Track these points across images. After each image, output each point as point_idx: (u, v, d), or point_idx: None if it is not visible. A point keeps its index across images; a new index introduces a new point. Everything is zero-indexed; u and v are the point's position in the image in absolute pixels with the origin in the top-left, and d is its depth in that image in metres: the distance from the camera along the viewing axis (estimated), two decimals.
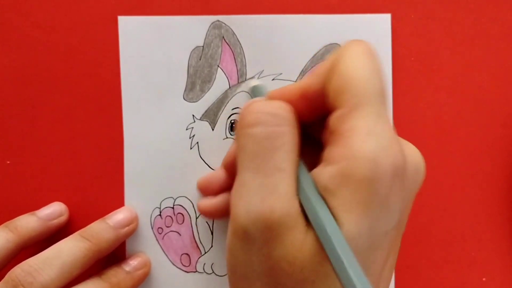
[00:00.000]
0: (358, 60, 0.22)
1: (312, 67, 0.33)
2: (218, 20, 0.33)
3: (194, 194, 0.33)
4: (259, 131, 0.23)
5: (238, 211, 0.23)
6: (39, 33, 0.33)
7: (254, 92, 0.32)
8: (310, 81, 0.24)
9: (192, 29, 0.33)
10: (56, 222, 0.32)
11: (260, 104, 0.24)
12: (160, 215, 0.34)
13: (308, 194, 0.22)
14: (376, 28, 0.33)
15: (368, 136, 0.21)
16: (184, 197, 0.33)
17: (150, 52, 0.33)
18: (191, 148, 0.33)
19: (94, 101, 0.33)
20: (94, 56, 0.33)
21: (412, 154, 0.23)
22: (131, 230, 0.32)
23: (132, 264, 0.32)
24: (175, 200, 0.33)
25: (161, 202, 0.33)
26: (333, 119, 0.22)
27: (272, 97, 0.26)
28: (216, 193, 0.31)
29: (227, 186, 0.30)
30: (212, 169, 0.33)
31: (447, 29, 0.33)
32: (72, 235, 0.30)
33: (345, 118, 0.22)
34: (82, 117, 0.33)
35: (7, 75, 0.33)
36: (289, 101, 0.25)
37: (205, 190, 0.32)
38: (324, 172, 0.22)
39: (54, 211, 0.33)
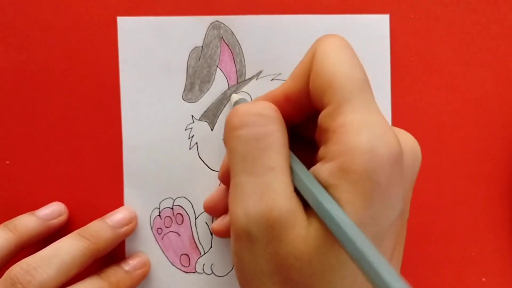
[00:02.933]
0: (332, 55, 0.22)
1: None
2: (217, 21, 0.33)
3: (193, 194, 0.33)
4: (247, 132, 0.23)
5: (237, 214, 0.22)
6: (39, 33, 0.33)
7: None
8: (291, 84, 0.24)
9: (191, 29, 0.33)
10: (55, 221, 0.33)
11: (245, 106, 0.24)
12: (159, 215, 0.34)
13: (309, 185, 0.22)
14: (375, 29, 0.33)
15: (361, 128, 0.21)
16: (183, 198, 0.33)
17: (149, 53, 0.33)
18: (190, 149, 0.33)
19: (94, 101, 0.33)
20: (93, 56, 0.33)
21: (407, 140, 0.23)
22: (130, 230, 0.33)
23: (131, 263, 0.32)
24: (174, 200, 0.33)
25: (160, 202, 0.33)
26: (322, 117, 0.22)
27: None
28: (224, 211, 0.31)
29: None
30: (211, 169, 0.33)
31: (446, 29, 0.33)
32: (71, 234, 0.30)
33: (335, 115, 0.21)
34: (82, 117, 0.33)
35: (7, 75, 0.33)
36: (275, 105, 0.25)
37: (213, 211, 0.32)
38: (323, 169, 0.22)
39: (53, 211, 0.33)
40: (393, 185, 0.21)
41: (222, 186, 0.31)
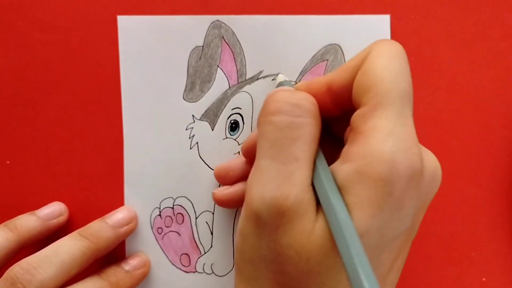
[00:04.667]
0: (385, 60, 0.22)
1: (311, 67, 0.33)
2: (218, 20, 0.33)
3: (193, 194, 0.33)
4: (281, 120, 0.23)
5: (253, 195, 0.23)
6: (39, 33, 0.33)
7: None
8: (337, 75, 0.24)
9: (192, 29, 0.33)
10: (55, 221, 0.33)
11: (285, 94, 0.24)
12: (159, 215, 0.34)
13: (325, 184, 0.22)
14: (376, 29, 0.33)
15: (388, 137, 0.21)
16: (183, 197, 0.33)
17: (150, 52, 0.33)
18: (190, 148, 0.33)
19: (94, 101, 0.33)
20: (94, 56, 0.33)
21: (430, 160, 0.23)
22: (130, 230, 0.33)
23: (131, 263, 0.32)
24: (174, 200, 0.33)
25: (161, 202, 0.33)
26: (356, 116, 0.23)
27: (298, 89, 0.26)
28: (233, 181, 0.31)
29: (246, 174, 0.30)
30: (212, 169, 0.33)
31: (446, 29, 0.33)
32: (71, 234, 0.30)
33: (367, 117, 0.22)
34: (82, 117, 0.33)
35: (7, 75, 0.33)
36: (315, 93, 0.25)
37: (223, 179, 0.32)
38: (341, 169, 0.22)
39: (53, 210, 0.33)
40: (406, 199, 0.21)
41: (240, 157, 0.31)
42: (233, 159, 0.32)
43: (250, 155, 0.29)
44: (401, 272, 0.25)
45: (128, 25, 0.33)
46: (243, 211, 0.24)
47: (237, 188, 0.31)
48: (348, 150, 0.22)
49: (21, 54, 0.33)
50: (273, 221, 0.22)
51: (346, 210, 0.21)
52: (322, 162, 0.23)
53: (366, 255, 0.20)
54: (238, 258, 0.25)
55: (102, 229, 0.31)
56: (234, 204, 0.31)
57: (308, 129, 0.23)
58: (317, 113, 0.24)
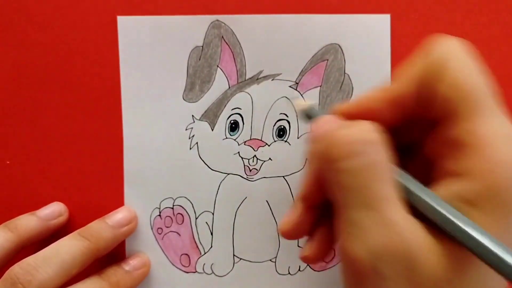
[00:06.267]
0: (465, 64, 0.21)
1: (311, 67, 0.33)
2: (218, 20, 0.33)
3: (193, 194, 0.33)
4: (357, 164, 0.21)
5: (357, 253, 0.21)
6: (39, 33, 0.33)
7: (309, 115, 0.27)
8: (401, 86, 0.23)
9: (192, 29, 0.33)
10: (55, 222, 0.33)
11: (344, 132, 0.22)
12: (159, 215, 0.34)
13: (442, 210, 0.20)
14: (376, 28, 0.33)
15: (506, 145, 0.20)
16: (183, 198, 0.33)
17: (150, 52, 0.33)
18: (190, 149, 0.33)
19: (94, 101, 0.33)
20: (93, 56, 0.33)
21: None
22: (130, 230, 0.33)
23: (131, 263, 0.32)
24: (174, 200, 0.33)
25: (161, 202, 0.33)
26: (455, 129, 0.21)
27: (350, 114, 0.24)
28: (302, 235, 0.27)
29: (313, 222, 0.27)
30: (212, 169, 0.33)
31: (447, 29, 0.33)
32: (71, 234, 0.30)
33: (471, 128, 0.20)
34: (82, 117, 0.33)
35: (7, 75, 0.33)
36: (371, 111, 0.23)
37: (294, 235, 0.27)
38: (464, 187, 0.20)
39: (53, 211, 0.33)
40: None
41: (299, 208, 0.26)
42: (292, 212, 0.27)
43: (311, 202, 0.26)
44: None
45: (128, 25, 0.33)
46: (348, 271, 0.22)
47: (319, 241, 0.27)
48: (463, 165, 0.21)
49: (21, 54, 0.33)
50: (395, 270, 0.20)
51: (484, 231, 0.19)
52: (419, 187, 0.22)
53: None
54: None
55: (102, 229, 0.31)
56: (325, 256, 0.27)
57: (384, 163, 0.21)
58: (383, 139, 0.22)
